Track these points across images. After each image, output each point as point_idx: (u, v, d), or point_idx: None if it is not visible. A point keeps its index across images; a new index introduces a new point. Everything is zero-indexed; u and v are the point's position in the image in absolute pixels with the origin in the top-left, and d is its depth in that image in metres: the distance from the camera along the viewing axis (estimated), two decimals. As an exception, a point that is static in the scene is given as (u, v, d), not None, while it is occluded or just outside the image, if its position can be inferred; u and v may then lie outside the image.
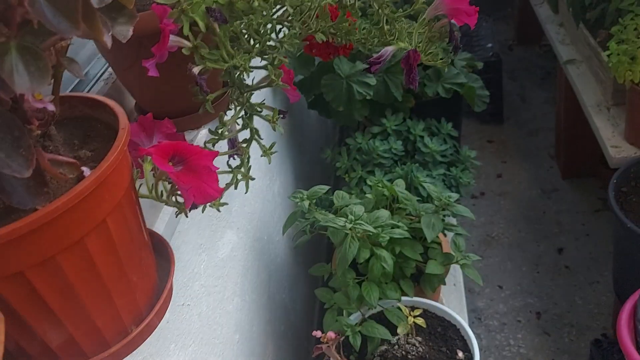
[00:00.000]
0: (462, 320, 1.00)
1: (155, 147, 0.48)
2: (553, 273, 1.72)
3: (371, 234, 1.01)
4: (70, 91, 0.80)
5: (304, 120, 1.74)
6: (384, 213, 1.05)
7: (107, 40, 0.39)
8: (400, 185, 1.17)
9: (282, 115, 0.59)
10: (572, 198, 1.96)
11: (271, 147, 0.58)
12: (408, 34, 0.69)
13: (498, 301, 1.67)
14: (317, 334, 0.97)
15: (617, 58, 1.22)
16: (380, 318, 1.04)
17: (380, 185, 1.19)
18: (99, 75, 0.82)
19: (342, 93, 1.36)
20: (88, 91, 0.79)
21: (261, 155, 0.58)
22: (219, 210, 0.54)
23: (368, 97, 1.35)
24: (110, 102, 0.48)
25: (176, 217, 0.55)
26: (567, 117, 1.91)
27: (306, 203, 1.10)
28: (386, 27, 0.73)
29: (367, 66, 0.67)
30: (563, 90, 1.85)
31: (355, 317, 1.04)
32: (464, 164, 1.38)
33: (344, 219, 1.00)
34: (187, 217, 0.50)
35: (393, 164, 1.38)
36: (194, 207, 0.50)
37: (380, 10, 0.72)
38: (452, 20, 0.67)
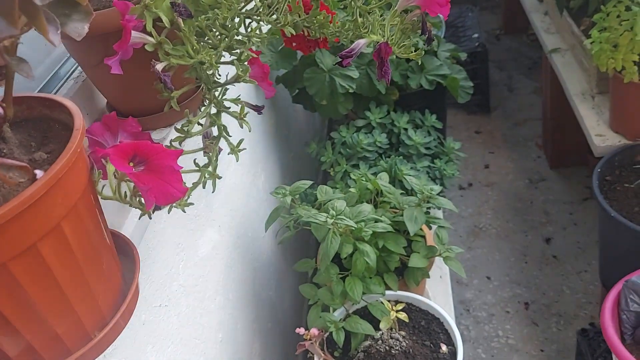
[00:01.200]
0: (445, 313, 0.99)
1: (114, 147, 0.46)
2: (541, 263, 1.72)
3: (354, 228, 1.00)
4: (40, 90, 0.79)
5: (290, 113, 1.73)
6: (367, 207, 1.04)
7: (54, 39, 0.38)
8: (383, 179, 1.17)
9: (250, 111, 0.58)
10: (559, 187, 1.96)
11: (239, 144, 0.57)
12: (381, 26, 0.68)
13: (486, 292, 1.67)
14: (301, 331, 0.97)
15: (599, 46, 1.21)
16: (365, 313, 1.04)
17: (364, 179, 1.19)
18: (69, 73, 0.80)
19: (324, 87, 1.34)
20: (58, 90, 0.78)
21: (228, 154, 0.57)
22: (184, 211, 0.53)
23: (351, 91, 1.34)
24: (67, 102, 0.47)
25: (139, 219, 0.54)
26: (553, 106, 1.90)
27: (288, 199, 1.09)
28: (360, 20, 0.72)
29: (339, 60, 0.65)
30: (549, 80, 1.84)
31: (339, 313, 1.03)
32: (448, 155, 1.37)
33: (325, 215, 0.99)
34: (150, 218, 0.49)
35: (377, 157, 1.37)
36: (157, 208, 0.49)
37: (353, 2, 0.71)
38: (425, 11, 0.66)
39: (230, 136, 0.57)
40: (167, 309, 0.79)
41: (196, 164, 0.56)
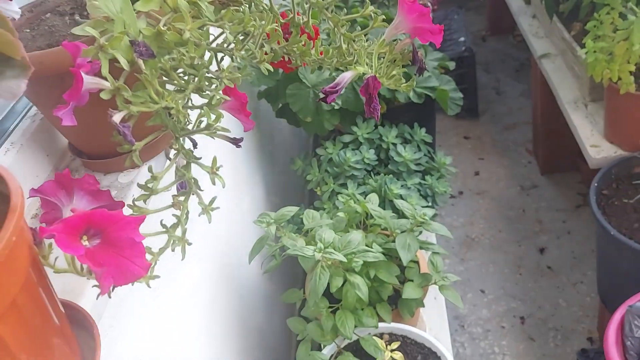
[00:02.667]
0: (442, 347, 0.94)
1: (62, 223, 0.40)
2: (535, 275, 1.68)
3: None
4: (-6, 130, 0.72)
5: (274, 126, 1.66)
6: (356, 236, 0.98)
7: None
8: (373, 201, 1.11)
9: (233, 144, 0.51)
10: (552, 194, 1.92)
11: (211, 202, 0.51)
12: (368, 55, 0.62)
13: (481, 306, 1.62)
14: (289, 372, 0.91)
15: (594, 56, 1.16)
16: (358, 347, 0.98)
17: (352, 201, 1.13)
18: (26, 110, 0.73)
19: (309, 103, 1.28)
20: (14, 129, 0.70)
21: (199, 215, 0.51)
22: (149, 286, 0.47)
23: (337, 107, 1.28)
24: (3, 173, 0.40)
25: (97, 299, 0.48)
26: (543, 112, 1.86)
27: (273, 228, 1.03)
28: (344, 47, 0.66)
29: (323, 96, 0.59)
30: (538, 85, 1.80)
31: (329, 350, 0.97)
32: (439, 171, 1.32)
33: (313, 247, 0.93)
34: (110, 297, 0.43)
35: (366, 174, 1.31)
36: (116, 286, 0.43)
37: (336, 29, 0.65)
38: (415, 39, 0.60)
39: (202, 190, 0.51)
40: (143, 363, 0.73)
41: (163, 226, 0.49)
